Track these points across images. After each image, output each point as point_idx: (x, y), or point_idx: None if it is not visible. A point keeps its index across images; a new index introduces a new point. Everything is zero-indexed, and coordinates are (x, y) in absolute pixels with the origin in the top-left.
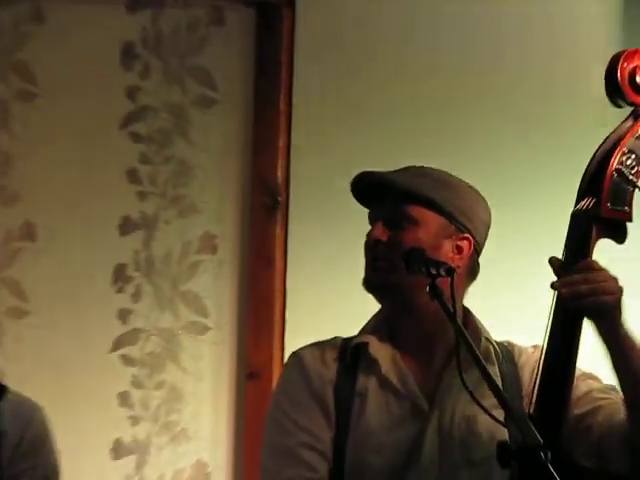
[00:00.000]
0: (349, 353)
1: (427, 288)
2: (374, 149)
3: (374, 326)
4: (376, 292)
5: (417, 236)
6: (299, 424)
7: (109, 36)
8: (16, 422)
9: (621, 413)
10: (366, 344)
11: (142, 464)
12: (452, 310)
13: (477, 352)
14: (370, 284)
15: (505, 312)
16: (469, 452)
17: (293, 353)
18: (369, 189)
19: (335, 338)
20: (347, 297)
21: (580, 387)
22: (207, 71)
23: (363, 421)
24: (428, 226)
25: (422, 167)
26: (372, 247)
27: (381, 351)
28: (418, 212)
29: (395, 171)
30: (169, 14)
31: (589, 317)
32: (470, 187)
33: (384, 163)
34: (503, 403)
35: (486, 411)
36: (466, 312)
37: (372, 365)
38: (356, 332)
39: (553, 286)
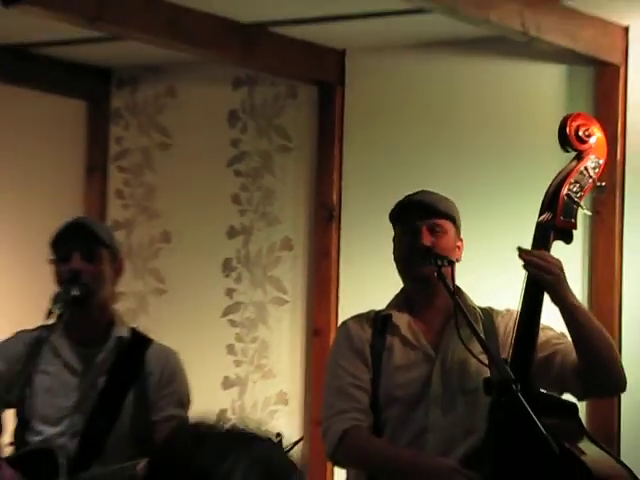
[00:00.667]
0: (379, 321)
1: (435, 274)
2: (395, 180)
3: (396, 302)
4: (422, 279)
5: (447, 241)
6: (347, 370)
7: (220, 105)
8: (158, 362)
9: (572, 353)
10: (390, 315)
11: (242, 393)
12: (452, 288)
13: (469, 316)
14: (420, 275)
15: (490, 288)
16: (463, 384)
17: (342, 322)
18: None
19: (370, 311)
20: (381, 279)
21: (541, 336)
22: (285, 128)
23: (391, 366)
24: (450, 233)
25: (432, 192)
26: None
27: (401, 319)
28: (445, 224)
29: (422, 194)
30: (260, 90)
31: (545, 290)
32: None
33: (399, 190)
34: (486, 350)
35: (474, 356)
36: (458, 289)
37: (395, 329)
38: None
39: (520, 249)
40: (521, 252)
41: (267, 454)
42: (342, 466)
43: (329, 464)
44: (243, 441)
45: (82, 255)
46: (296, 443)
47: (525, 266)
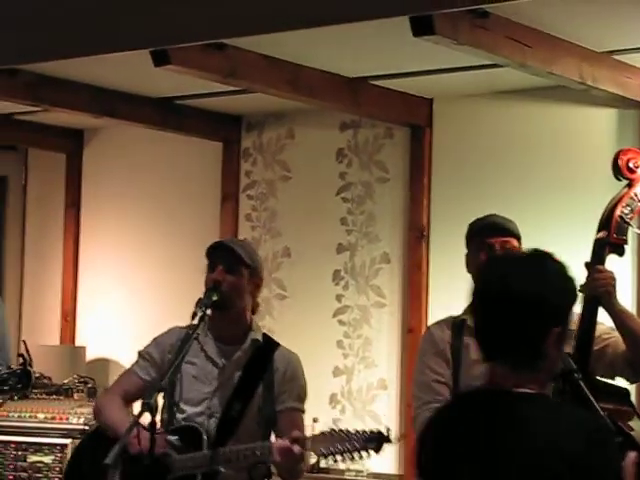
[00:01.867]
0: (457, 325)
1: None
2: (473, 205)
3: (469, 308)
4: None
5: None
6: (431, 368)
7: (330, 144)
8: (283, 362)
9: (621, 344)
10: (465, 319)
11: (349, 380)
12: None
13: None
14: None
15: None
16: None
17: (427, 328)
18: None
19: (449, 317)
20: (462, 287)
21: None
22: (383, 163)
23: (468, 362)
24: (517, 248)
25: (499, 215)
26: None
27: (473, 322)
28: (512, 241)
29: (492, 217)
30: (362, 132)
31: (599, 299)
32: None
33: (477, 213)
34: None
35: None
36: None
37: (469, 330)
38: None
39: (586, 264)
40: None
41: None
42: None
43: None
44: None
45: (224, 268)
46: (401, 438)
47: (587, 281)
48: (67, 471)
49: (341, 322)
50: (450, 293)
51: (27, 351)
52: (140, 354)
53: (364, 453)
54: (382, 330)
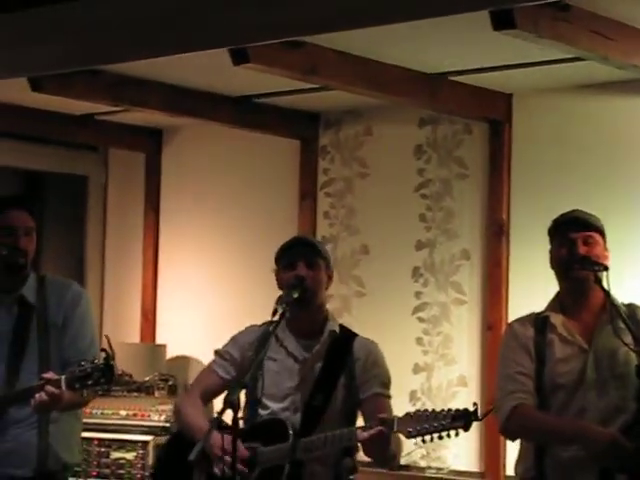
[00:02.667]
0: (539, 322)
1: (592, 278)
2: (554, 200)
3: (551, 305)
4: (579, 282)
5: (599, 250)
6: (514, 360)
7: (408, 140)
8: (363, 350)
9: None
10: (548, 316)
11: (429, 377)
12: (608, 289)
13: (622, 313)
14: (579, 278)
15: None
16: (614, 371)
17: (508, 325)
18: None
19: (531, 314)
20: (543, 283)
21: None
22: (462, 159)
23: (553, 359)
24: (600, 244)
25: (582, 210)
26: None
27: (557, 319)
28: (596, 236)
29: (576, 212)
30: (441, 128)
31: None
32: None
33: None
34: (636, 339)
35: (627, 345)
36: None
37: (552, 327)
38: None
39: None
40: None
41: None
42: (512, 438)
43: (501, 438)
44: None
45: (306, 263)
46: (489, 412)
47: None
48: (154, 471)
49: (420, 319)
50: (531, 289)
51: (110, 346)
52: (218, 353)
53: (452, 432)
54: (462, 327)
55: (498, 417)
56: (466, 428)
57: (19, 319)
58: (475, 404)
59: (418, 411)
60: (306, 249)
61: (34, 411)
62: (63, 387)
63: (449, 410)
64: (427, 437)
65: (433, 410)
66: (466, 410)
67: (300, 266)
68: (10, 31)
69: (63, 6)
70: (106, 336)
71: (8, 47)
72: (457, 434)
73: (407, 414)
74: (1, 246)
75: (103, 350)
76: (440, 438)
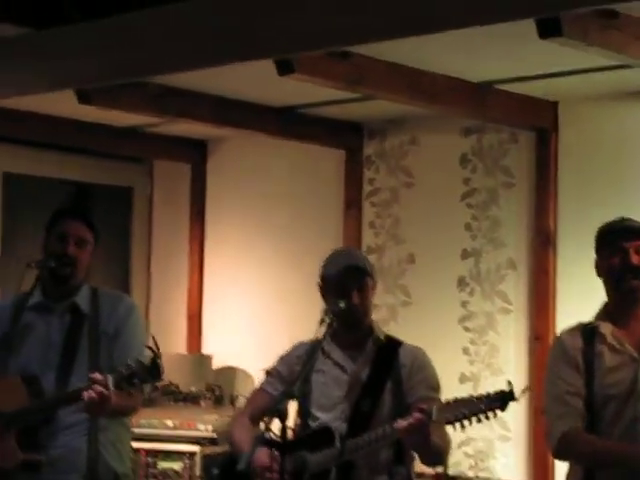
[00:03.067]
0: (587, 332)
1: None
2: (601, 208)
3: (599, 315)
4: (631, 292)
5: None
6: (563, 379)
7: (453, 150)
8: (408, 356)
9: None
10: (597, 326)
11: (476, 387)
12: None
13: None
14: (632, 288)
15: None
16: None
17: (556, 337)
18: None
19: (579, 324)
20: (591, 292)
21: None
22: (508, 168)
23: (602, 370)
24: None
25: (632, 219)
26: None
27: (606, 328)
28: None
29: (626, 221)
30: (487, 137)
31: None
32: None
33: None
34: None
35: None
36: None
37: (601, 337)
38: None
39: None
40: None
41: None
42: (564, 461)
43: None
44: None
45: (357, 290)
46: (524, 391)
47: None
48: None
49: (467, 328)
50: (578, 299)
51: (156, 345)
52: (268, 372)
53: (490, 413)
54: (508, 337)
55: (548, 441)
56: (502, 408)
57: (71, 327)
58: (510, 383)
59: (456, 398)
60: (357, 275)
61: (84, 411)
62: (111, 387)
63: (487, 393)
64: (466, 422)
65: (470, 395)
66: (502, 391)
67: (354, 295)
68: (58, 44)
69: (110, 19)
70: (152, 337)
71: (56, 60)
72: (495, 415)
73: (445, 402)
74: (50, 256)
75: (149, 348)
76: (479, 421)
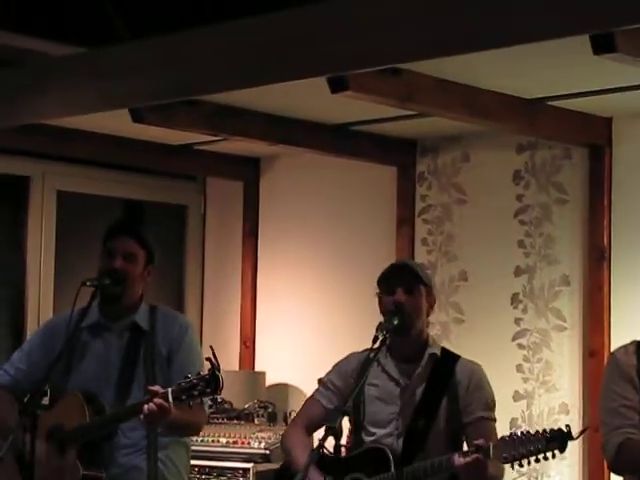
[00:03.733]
0: None
1: None
2: None
3: None
4: None
5: None
6: (618, 393)
7: (506, 166)
8: (465, 373)
9: None
10: None
11: (530, 404)
12: None
13: None
14: None
15: None
16: None
17: (610, 354)
18: None
19: (633, 341)
20: None
21: None
22: (561, 184)
23: None
24: None
25: None
26: None
27: None
28: None
29: None
30: (540, 153)
31: None
32: None
33: None
34: None
35: None
36: None
37: None
38: None
39: None
40: None
41: None
42: (621, 474)
43: (604, 462)
44: None
45: (404, 289)
46: (583, 432)
47: None
48: None
49: (520, 346)
50: (633, 316)
51: (214, 356)
52: (322, 382)
53: (549, 454)
54: (563, 354)
55: (605, 454)
56: (562, 449)
57: (129, 345)
58: (567, 426)
59: (513, 434)
60: (405, 275)
61: (144, 423)
62: (170, 400)
63: (544, 431)
64: (524, 461)
65: (527, 432)
66: (560, 430)
67: (399, 292)
68: (111, 63)
69: (162, 39)
70: (210, 346)
71: (110, 79)
72: (554, 456)
73: (502, 438)
74: (104, 274)
75: (208, 360)
76: (537, 461)
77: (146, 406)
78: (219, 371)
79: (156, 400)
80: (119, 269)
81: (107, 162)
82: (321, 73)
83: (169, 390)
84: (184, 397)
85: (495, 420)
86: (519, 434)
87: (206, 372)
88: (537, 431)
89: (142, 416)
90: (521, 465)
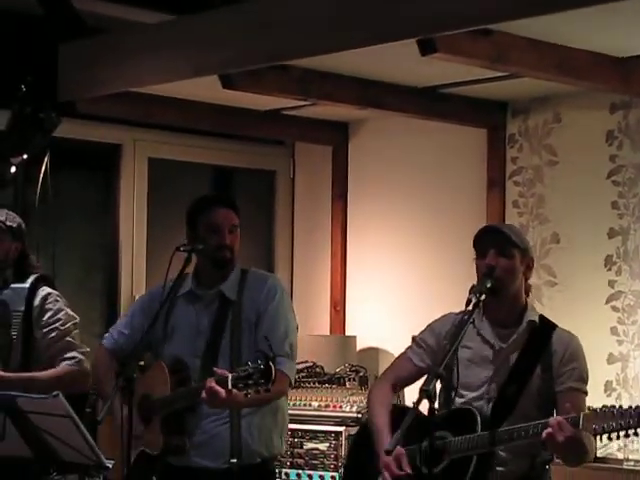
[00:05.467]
0: None
1: None
2: None
3: None
4: None
5: None
6: None
7: (598, 126)
8: (562, 343)
9: None
10: None
11: (625, 368)
12: None
13: None
14: None
15: None
16: None
17: None
18: None
19: None
20: None
21: None
22: None
23: None
24: None
25: None
26: None
27: None
28: None
29: None
30: (634, 112)
31: None
32: None
33: None
34: None
35: None
36: None
37: None
38: None
39: None
40: None
41: None
42: None
43: None
44: None
45: (496, 252)
46: None
47: None
48: (346, 462)
49: (614, 308)
50: None
51: (270, 347)
52: (415, 340)
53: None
54: None
55: None
56: None
57: (217, 315)
58: None
59: (605, 407)
60: (497, 237)
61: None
62: (229, 386)
63: (637, 407)
64: (613, 435)
65: (620, 407)
66: None
67: (490, 255)
68: (201, 30)
69: (252, 4)
70: (265, 337)
71: (200, 46)
72: None
73: (593, 411)
74: (209, 245)
75: (260, 352)
76: (627, 436)
77: (203, 393)
78: (274, 362)
79: (214, 387)
80: (230, 245)
81: (197, 129)
82: (411, 35)
83: (229, 377)
84: (240, 385)
85: (586, 393)
86: (612, 407)
87: (262, 362)
88: (630, 406)
89: (203, 399)
90: (610, 438)
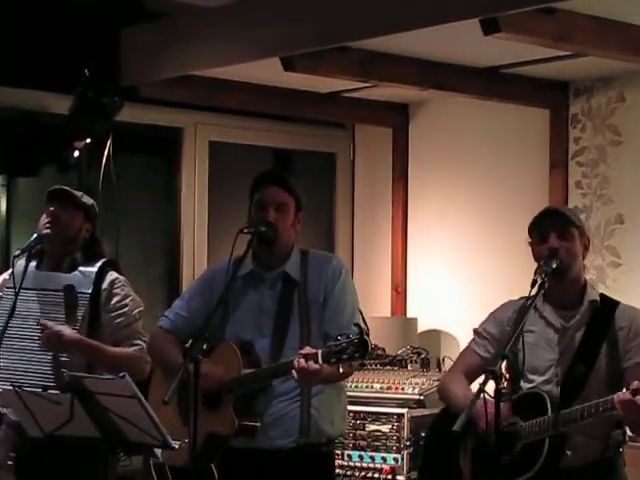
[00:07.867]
0: None
1: None
2: None
3: None
4: None
5: None
6: None
7: None
8: (626, 319)
9: None
10: None
11: None
12: None
13: None
14: None
15: None
16: None
17: None
18: None
19: None
20: None
21: None
22: None
23: None
24: None
25: None
26: None
27: None
28: None
29: None
30: None
31: None
32: None
33: None
34: None
35: None
36: None
37: None
38: None
39: None
40: None
41: None
42: None
43: None
44: None
45: (558, 235)
46: None
47: None
48: (425, 445)
49: None
50: None
51: (364, 320)
52: (477, 332)
53: None
54: None
55: None
56: None
57: (282, 294)
58: None
59: None
60: (557, 220)
61: (297, 384)
62: (319, 361)
63: None
64: None
65: None
66: None
67: (552, 238)
68: (262, 12)
69: None
70: (359, 309)
71: (261, 28)
72: None
73: None
74: (259, 221)
75: (356, 325)
76: None
77: (296, 368)
78: (368, 335)
79: (303, 363)
80: (272, 221)
81: (257, 112)
82: (473, 15)
83: (319, 352)
84: (333, 360)
85: None
86: None
87: (355, 336)
88: None
89: (294, 376)
90: None
